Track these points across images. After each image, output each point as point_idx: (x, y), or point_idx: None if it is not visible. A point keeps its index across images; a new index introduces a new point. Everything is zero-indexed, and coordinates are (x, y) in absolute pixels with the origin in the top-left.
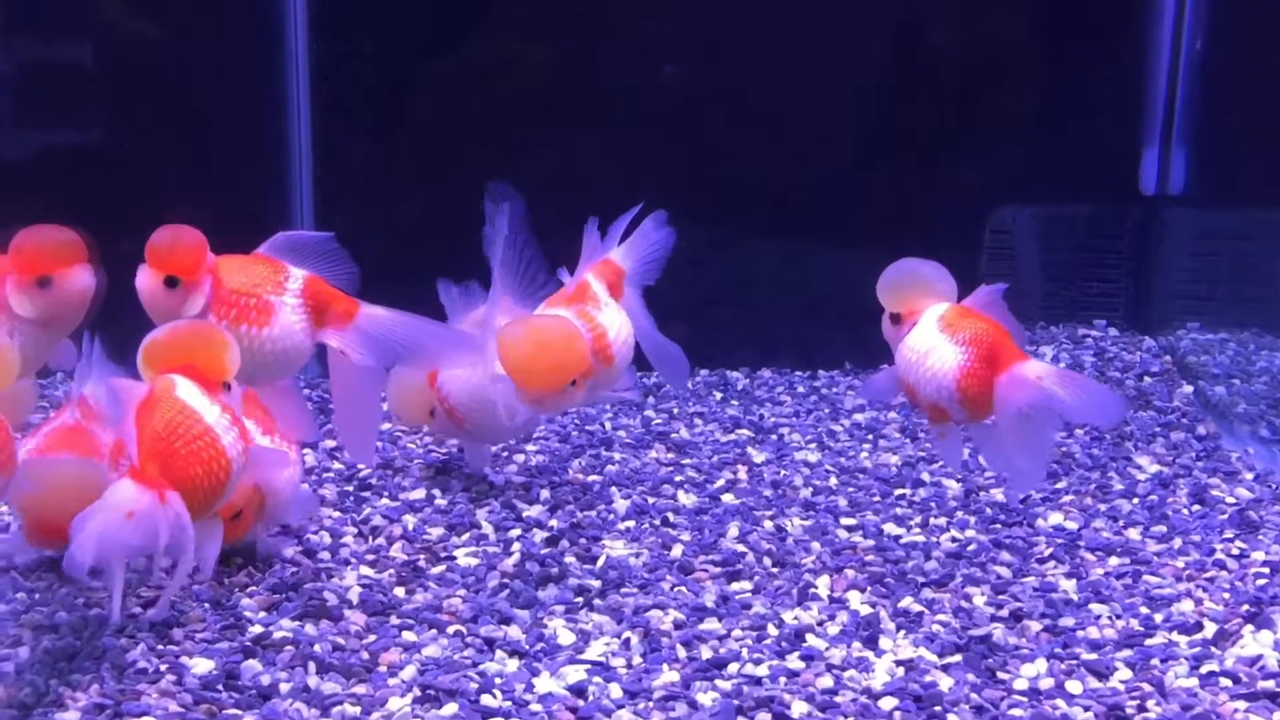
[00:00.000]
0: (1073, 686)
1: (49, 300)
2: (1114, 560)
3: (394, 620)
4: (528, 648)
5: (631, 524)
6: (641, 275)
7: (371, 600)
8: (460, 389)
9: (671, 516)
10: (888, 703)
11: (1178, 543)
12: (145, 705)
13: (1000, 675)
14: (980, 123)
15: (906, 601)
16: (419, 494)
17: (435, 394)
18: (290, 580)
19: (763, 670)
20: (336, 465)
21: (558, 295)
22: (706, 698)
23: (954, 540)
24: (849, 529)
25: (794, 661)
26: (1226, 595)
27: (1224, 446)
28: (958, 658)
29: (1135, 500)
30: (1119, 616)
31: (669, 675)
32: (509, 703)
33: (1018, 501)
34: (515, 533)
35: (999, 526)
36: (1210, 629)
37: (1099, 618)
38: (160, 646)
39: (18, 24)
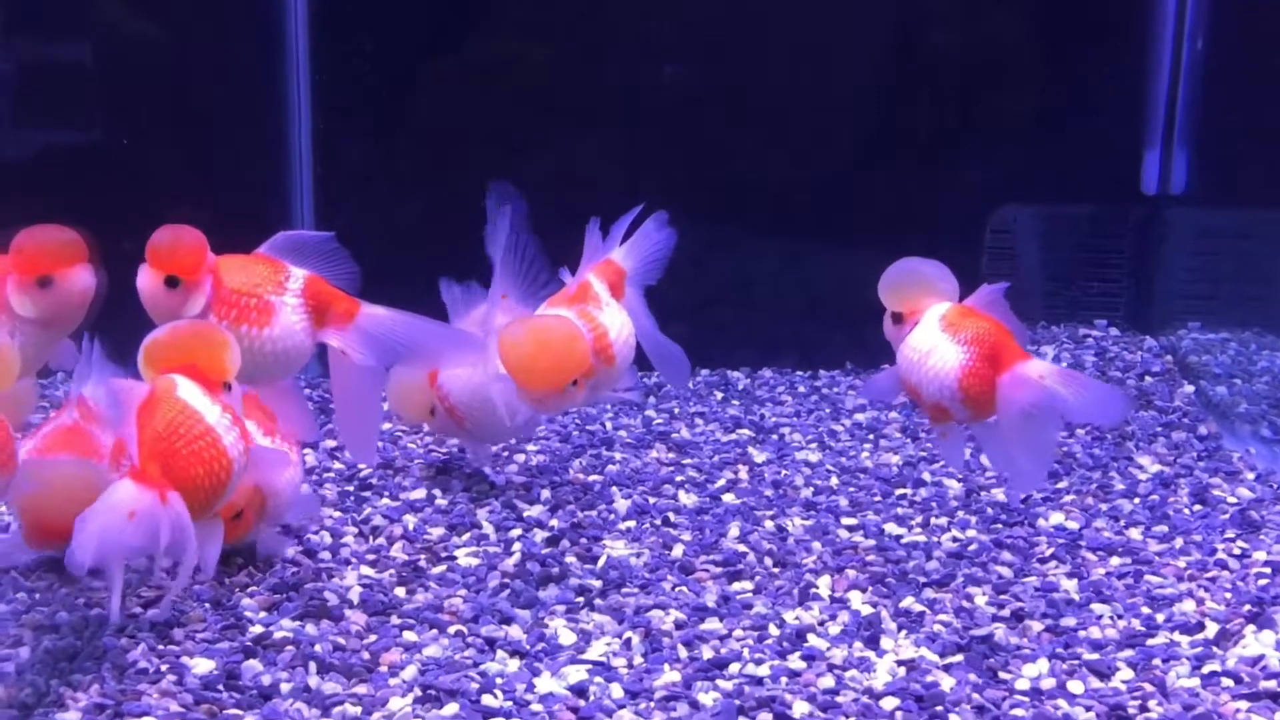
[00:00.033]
0: (1074, 686)
1: (50, 300)
2: (1115, 560)
3: (395, 620)
4: (529, 648)
5: (632, 524)
6: (643, 275)
7: (372, 600)
8: (461, 388)
9: (672, 516)
10: (889, 703)
11: (1179, 542)
12: (146, 705)
13: (1002, 675)
14: (981, 122)
15: (908, 601)
16: (420, 494)
17: (436, 393)
18: (291, 580)
19: (764, 670)
20: (337, 465)
21: (559, 295)
22: (708, 698)
23: (955, 540)
24: (850, 529)
25: (795, 661)
26: (1228, 595)
27: (1225, 446)
28: (959, 658)
29: (1136, 500)
30: (1120, 616)
31: (670, 675)
32: (510, 703)
33: (1019, 501)
34: (516, 532)
35: (1000, 526)
36: (1212, 629)
37: (1100, 618)
38: (161, 646)
39: (18, 24)
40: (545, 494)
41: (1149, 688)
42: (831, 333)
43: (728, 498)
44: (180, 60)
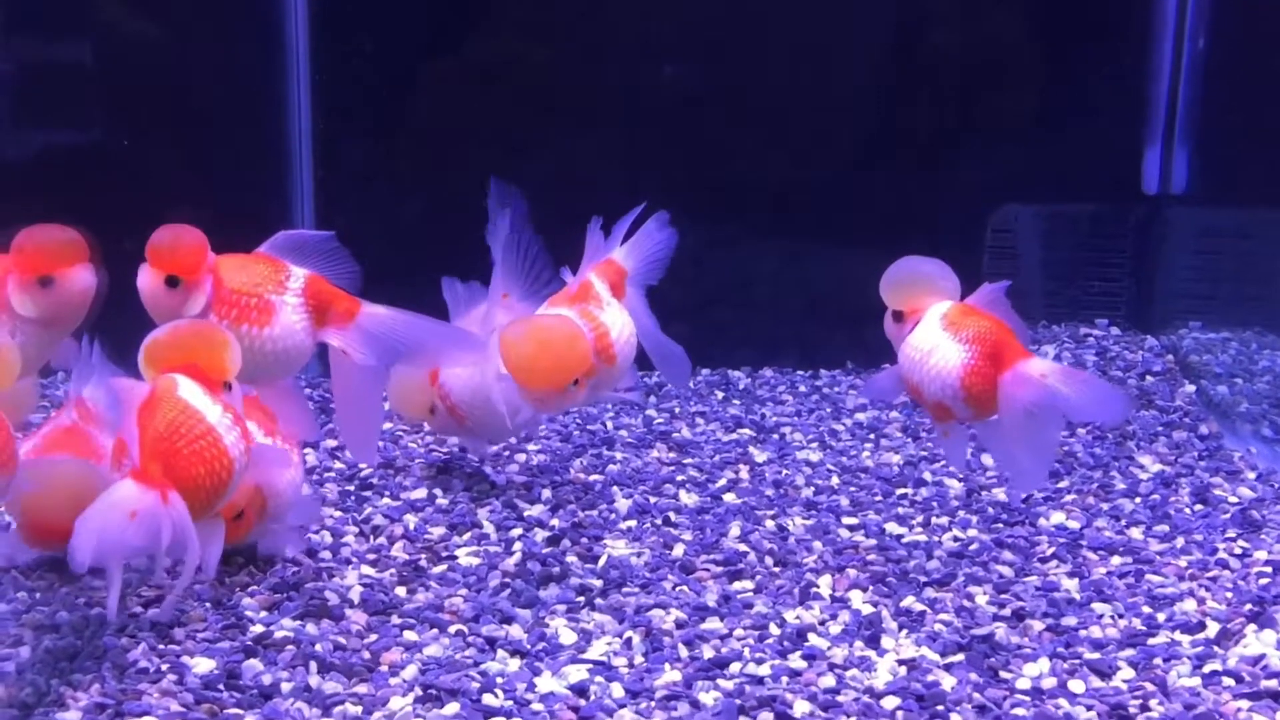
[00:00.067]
0: (1075, 686)
1: (50, 300)
2: (1116, 559)
3: (395, 620)
4: (529, 647)
5: (633, 523)
6: (644, 275)
7: (373, 599)
8: (462, 386)
9: (673, 516)
10: (890, 702)
11: (1180, 542)
12: (146, 705)
13: (1003, 674)
14: (982, 122)
15: (909, 601)
16: (420, 493)
17: (436, 391)
18: (291, 580)
19: (765, 670)
20: (338, 464)
21: (560, 294)
22: (708, 697)
23: (956, 539)
24: (851, 528)
25: (796, 661)
26: (1229, 594)
27: (1226, 446)
28: (960, 657)
29: (1137, 499)
30: (1121, 616)
31: (671, 675)
32: (510, 702)
33: (1020, 501)
34: (517, 532)
35: (1001, 526)
36: (1213, 628)
37: (1101, 617)
38: (161, 646)
39: (18, 24)
40: (546, 493)
41: (1150, 687)
42: (832, 332)
43: (729, 497)
44: (180, 60)
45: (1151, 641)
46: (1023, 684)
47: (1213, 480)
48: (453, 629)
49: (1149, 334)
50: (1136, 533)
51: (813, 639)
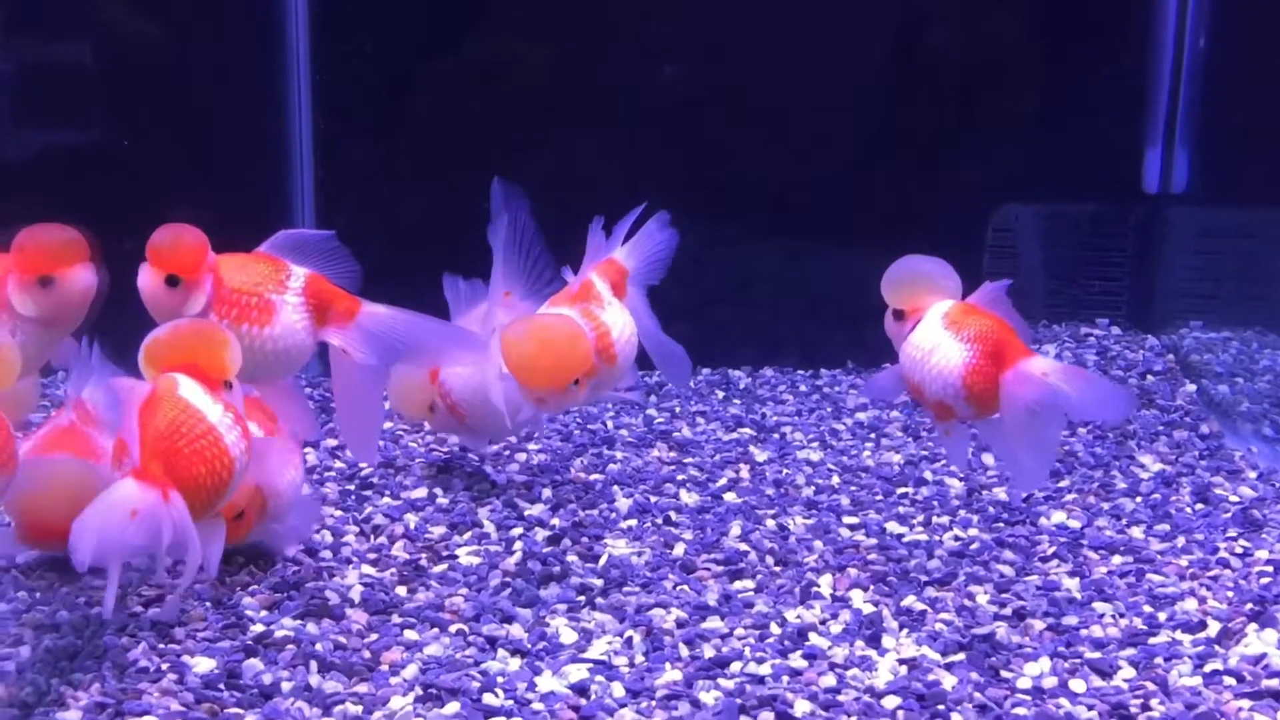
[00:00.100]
0: (1076, 685)
1: (51, 299)
2: (1117, 559)
3: (396, 619)
4: (530, 646)
5: (634, 523)
6: (645, 275)
7: (373, 599)
8: (462, 385)
9: (674, 515)
10: (891, 701)
11: (1181, 541)
12: (147, 704)
13: (1004, 674)
14: (983, 122)
15: (909, 600)
16: (421, 493)
17: (437, 390)
18: (292, 579)
19: (765, 669)
20: (338, 464)
21: (562, 294)
22: (709, 696)
23: (957, 539)
24: (851, 528)
25: (797, 660)
26: (1230, 594)
27: (1227, 445)
28: (961, 656)
29: (1138, 499)
30: (1122, 615)
31: (671, 674)
32: (511, 701)
33: (1021, 500)
34: (517, 531)
35: (1002, 525)
36: (1214, 627)
37: (1102, 616)
38: (162, 645)
39: (18, 24)
40: (546, 493)
41: (1151, 686)
42: (832, 332)
43: (729, 497)
44: (180, 60)
45: (1152, 641)
46: (1024, 683)
47: (1214, 479)
48: (453, 628)
49: (1150, 333)
50: (1137, 532)
51: (813, 638)
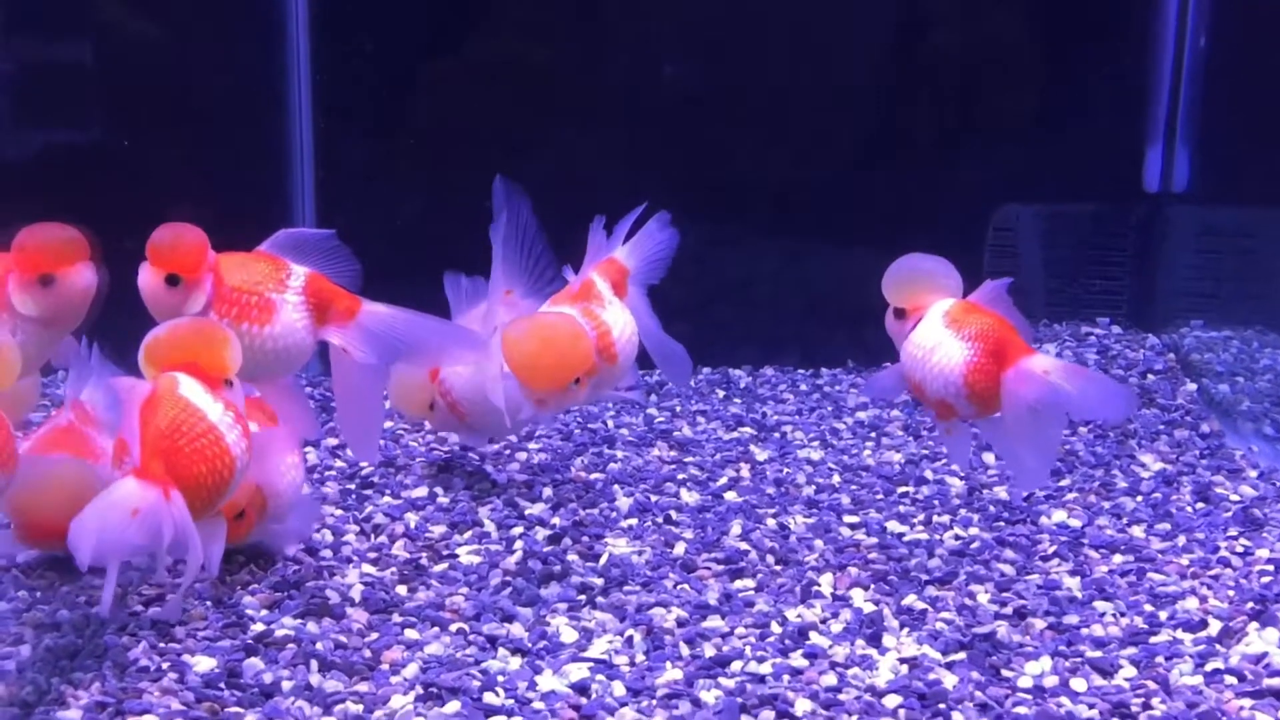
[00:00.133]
0: (1077, 684)
1: (51, 299)
2: (1118, 558)
3: (396, 618)
4: (530, 645)
5: (634, 522)
6: (646, 274)
7: (374, 598)
8: (463, 383)
9: (674, 514)
10: (892, 700)
11: (1182, 540)
12: (147, 703)
13: (1004, 673)
14: (983, 122)
15: (910, 599)
16: (421, 492)
17: (437, 388)
18: (292, 578)
19: (766, 668)
20: (339, 463)
21: (562, 293)
22: (710, 696)
23: (957, 538)
24: (852, 527)
25: (797, 659)
26: (1231, 593)
27: (1228, 444)
28: (962, 655)
29: (1139, 498)
30: (1123, 614)
31: (672, 673)
32: (511, 701)
33: (1021, 499)
34: (518, 530)
35: (1002, 524)
36: (1215, 626)
37: (1103, 615)
38: (162, 644)
39: (18, 24)
40: (547, 492)
41: (1152, 685)
42: (833, 331)
43: (730, 496)
44: (181, 60)
45: (1153, 640)
46: (1024, 682)
47: (1214, 478)
48: (454, 627)
49: (1150, 332)
50: (1138, 531)
51: (814, 637)
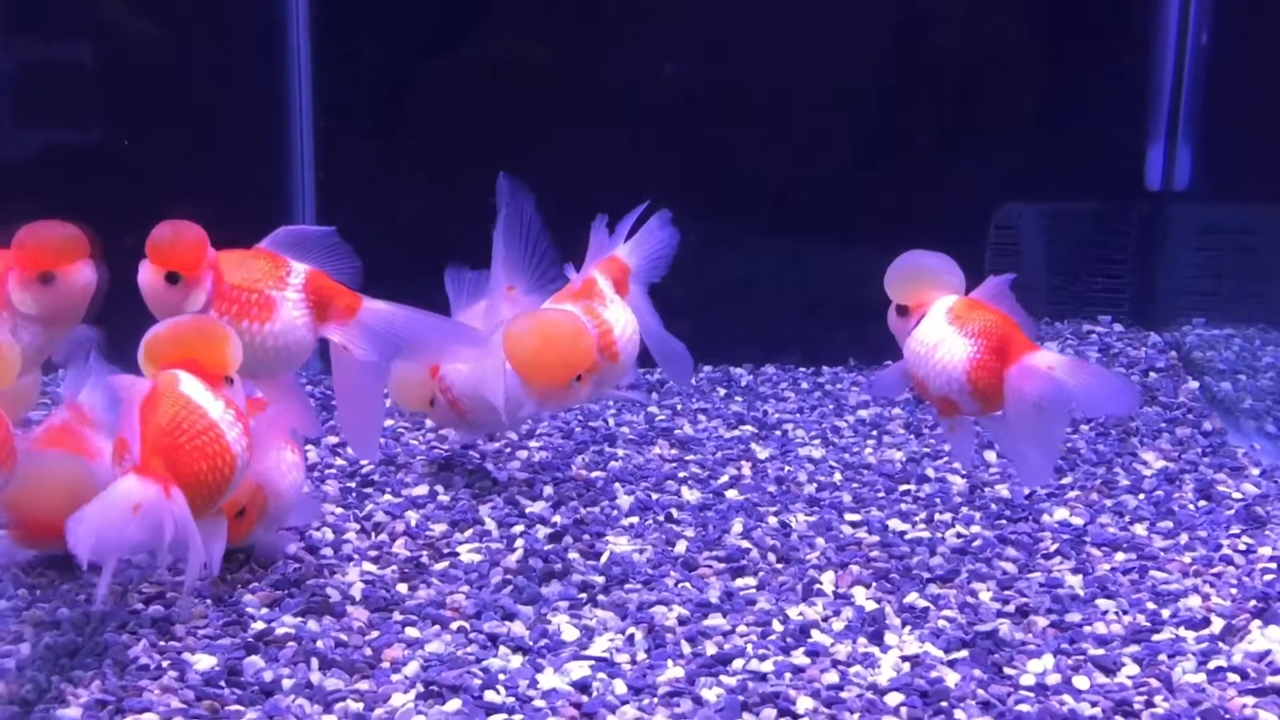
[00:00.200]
0: (1080, 682)
1: (51, 297)
2: (1120, 556)
3: (397, 616)
4: (531, 644)
5: (635, 520)
6: (647, 273)
7: (374, 596)
8: (463, 380)
9: (675, 512)
10: (894, 698)
11: (1184, 538)
12: (147, 701)
13: (1007, 671)
14: (985, 120)
15: (912, 597)
16: (422, 490)
17: (437, 384)
18: (293, 576)
19: (768, 666)
20: (339, 461)
21: (564, 291)
22: (711, 694)
23: (959, 536)
24: (854, 525)
25: (799, 657)
26: (1234, 591)
27: (1230, 442)
28: (964, 653)
29: (1141, 496)
30: (1126, 612)
31: (673, 671)
32: (512, 699)
33: (1023, 497)
34: (518, 529)
35: (1004, 522)
36: (1218, 624)
37: (1106, 613)
38: (162, 643)
39: (18, 24)
40: (548, 490)
41: (1155, 683)
42: (834, 329)
43: (731, 494)
44: (181, 60)
45: (1156, 638)
46: (1027, 680)
47: (1216, 476)
48: (454, 626)
49: (1152, 330)
50: (1140, 529)
51: (816, 635)
